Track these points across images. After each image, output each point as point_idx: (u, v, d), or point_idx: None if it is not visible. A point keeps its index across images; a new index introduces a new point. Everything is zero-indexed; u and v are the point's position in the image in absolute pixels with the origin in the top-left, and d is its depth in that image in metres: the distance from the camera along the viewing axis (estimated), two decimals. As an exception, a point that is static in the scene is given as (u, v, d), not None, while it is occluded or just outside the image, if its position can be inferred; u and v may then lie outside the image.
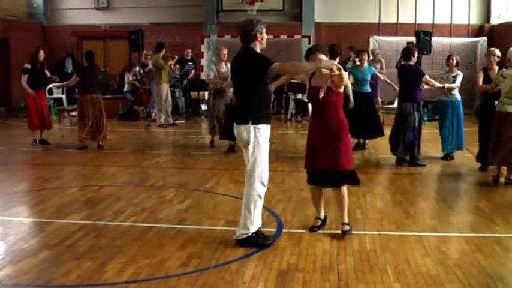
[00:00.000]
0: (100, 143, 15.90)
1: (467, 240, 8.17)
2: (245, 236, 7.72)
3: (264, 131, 7.69)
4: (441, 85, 13.65)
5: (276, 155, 13.79)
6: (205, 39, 25.78)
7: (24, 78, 16.42)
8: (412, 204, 10.13)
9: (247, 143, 7.65)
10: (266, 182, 7.81)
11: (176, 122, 21.67)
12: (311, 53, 8.38)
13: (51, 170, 13.23)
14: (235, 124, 7.82)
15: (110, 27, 27.78)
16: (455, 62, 13.97)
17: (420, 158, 13.43)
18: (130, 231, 8.51)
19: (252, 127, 7.60)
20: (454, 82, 13.73)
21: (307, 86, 8.38)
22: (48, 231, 8.53)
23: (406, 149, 13.34)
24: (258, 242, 7.72)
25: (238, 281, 6.67)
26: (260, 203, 7.80)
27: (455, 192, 11.45)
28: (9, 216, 9.34)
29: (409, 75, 13.21)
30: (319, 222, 8.55)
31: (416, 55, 13.56)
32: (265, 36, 7.73)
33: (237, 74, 7.93)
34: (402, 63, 14.12)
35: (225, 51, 15.58)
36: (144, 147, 16.65)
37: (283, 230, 8.49)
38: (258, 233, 7.82)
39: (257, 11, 25.52)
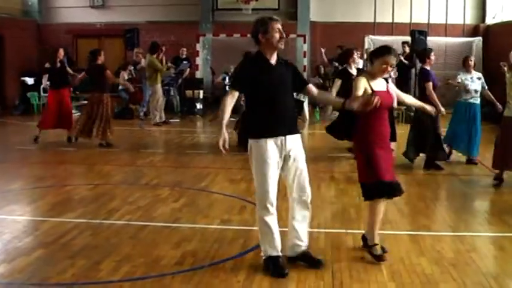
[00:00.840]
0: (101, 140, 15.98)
1: (462, 240, 8.17)
2: (263, 257, 6.98)
3: (258, 146, 6.77)
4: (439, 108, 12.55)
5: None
6: (201, 38, 25.82)
7: (44, 78, 16.45)
8: (406, 203, 10.11)
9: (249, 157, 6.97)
10: (269, 205, 6.82)
11: (171, 120, 21.68)
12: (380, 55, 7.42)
13: (45, 169, 13.21)
14: None
15: (105, 26, 27.77)
16: (473, 63, 13.56)
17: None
18: (125, 230, 8.50)
19: (249, 141, 6.92)
20: (482, 87, 13.40)
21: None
22: (43, 229, 8.51)
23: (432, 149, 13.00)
24: (271, 268, 6.83)
25: (233, 279, 6.65)
26: (265, 227, 6.89)
27: (450, 192, 11.46)
28: (4, 215, 9.31)
29: (420, 79, 13.08)
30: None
31: (432, 57, 13.08)
32: (274, 36, 6.83)
33: None
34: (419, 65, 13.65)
35: None
36: (138, 145, 16.64)
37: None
38: (273, 259, 6.89)
39: (252, 9, 25.56)
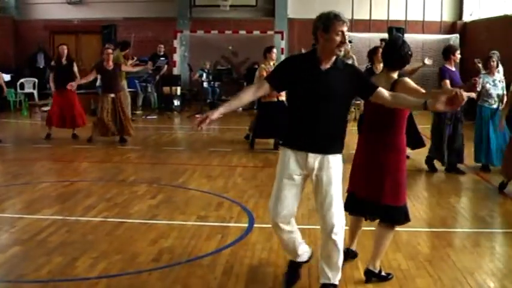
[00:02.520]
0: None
1: (438, 236, 8.24)
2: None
3: (281, 153, 6.09)
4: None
5: (247, 151, 13.83)
6: (178, 35, 25.80)
7: (50, 76, 16.37)
8: (383, 199, 10.15)
9: None
10: (276, 221, 6.12)
11: (148, 117, 21.66)
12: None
13: (21, 165, 13.13)
14: None
15: (82, 22, 27.66)
16: (495, 63, 12.53)
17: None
18: (102, 227, 8.48)
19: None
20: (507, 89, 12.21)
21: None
22: (19, 226, 8.47)
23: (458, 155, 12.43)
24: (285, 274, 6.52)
25: (210, 276, 6.66)
26: (281, 233, 6.27)
27: (426, 188, 11.51)
28: (-21, 212, 9.28)
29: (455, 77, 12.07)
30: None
31: (458, 55, 12.34)
32: (334, 38, 5.99)
33: None
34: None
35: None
36: (115, 142, 16.59)
37: (255, 225, 8.50)
38: (292, 265, 6.55)
39: (230, 6, 25.58)
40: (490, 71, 12.51)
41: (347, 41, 5.95)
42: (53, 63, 16.41)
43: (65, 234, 8.14)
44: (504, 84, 12.56)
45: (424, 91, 6.24)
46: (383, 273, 6.65)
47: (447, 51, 12.35)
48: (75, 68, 16.43)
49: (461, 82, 11.95)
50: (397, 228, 8.37)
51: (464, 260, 7.29)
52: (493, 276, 6.83)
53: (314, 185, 6.00)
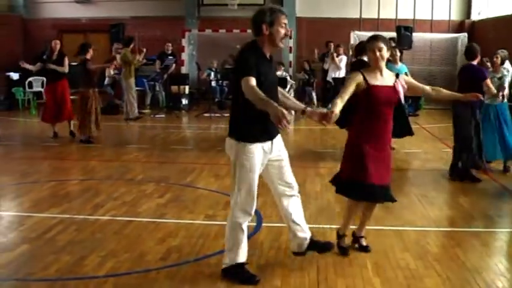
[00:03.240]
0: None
1: (446, 235, 8.23)
2: (225, 266, 6.59)
3: (251, 150, 6.24)
4: (498, 94, 11.88)
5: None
6: (186, 34, 25.76)
7: (36, 66, 16.69)
8: (391, 199, 10.14)
9: (230, 156, 6.44)
10: (251, 211, 6.44)
11: (156, 116, 21.69)
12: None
13: (30, 164, 13.15)
14: (228, 138, 6.47)
15: (90, 21, 27.66)
16: (500, 60, 12.66)
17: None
18: (110, 225, 8.49)
19: (234, 144, 6.33)
20: (501, 85, 12.19)
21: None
22: (27, 225, 8.49)
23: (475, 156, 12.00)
24: (240, 275, 6.53)
25: (218, 274, 6.64)
26: (241, 233, 6.46)
27: (434, 188, 11.46)
28: (-12, 210, 9.31)
29: (473, 76, 11.56)
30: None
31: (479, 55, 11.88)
32: (278, 30, 6.26)
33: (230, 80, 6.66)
34: (465, 63, 12.15)
35: None
36: (124, 141, 16.62)
37: (263, 224, 8.49)
38: (241, 266, 6.57)
39: (238, 5, 25.50)
40: (494, 68, 12.68)
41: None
42: (45, 56, 16.37)
43: (73, 232, 8.16)
44: (509, 78, 12.87)
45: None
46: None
47: (472, 51, 11.81)
48: (66, 62, 16.55)
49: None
50: (406, 228, 8.43)
51: (473, 259, 7.27)
52: (502, 276, 6.82)
53: (277, 163, 6.63)
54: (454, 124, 11.82)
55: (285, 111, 5.59)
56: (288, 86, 21.96)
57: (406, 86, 7.25)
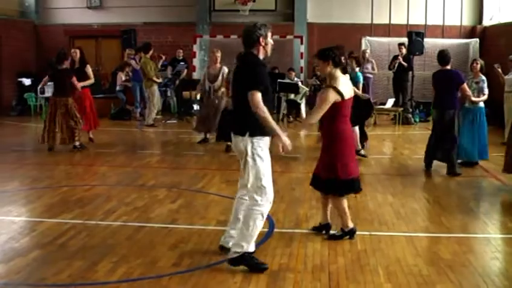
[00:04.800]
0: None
1: (459, 241, 8.19)
2: (237, 254, 6.93)
3: (263, 143, 6.99)
4: (475, 99, 12.95)
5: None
6: (198, 39, 25.80)
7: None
8: (403, 204, 10.13)
9: (245, 155, 6.97)
10: (271, 199, 7.09)
11: (168, 121, 21.73)
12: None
13: (41, 170, 13.19)
14: (232, 134, 7.15)
15: (102, 27, 27.72)
16: (479, 66, 13.36)
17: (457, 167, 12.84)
18: (122, 231, 8.50)
19: (248, 139, 6.92)
20: (479, 90, 13.11)
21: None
22: (39, 230, 8.52)
23: (445, 157, 12.75)
24: (252, 262, 6.95)
25: (230, 281, 6.66)
26: (261, 222, 7.01)
27: (446, 193, 11.44)
28: (0, 216, 9.32)
29: (450, 80, 12.48)
30: (319, 225, 8.55)
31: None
32: (270, 41, 7.16)
33: (235, 81, 7.28)
34: (440, 68, 12.94)
35: (218, 54, 15.87)
36: (135, 146, 16.66)
37: (275, 230, 8.49)
38: (252, 255, 7.01)
39: (249, 11, 25.56)
40: (474, 73, 13.46)
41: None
42: (66, 65, 16.21)
43: (85, 238, 8.17)
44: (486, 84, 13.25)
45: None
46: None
47: (446, 57, 12.77)
48: (89, 71, 16.44)
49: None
50: (417, 234, 8.41)
51: (485, 265, 7.26)
52: (515, 282, 6.80)
53: None
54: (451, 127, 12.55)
55: (288, 140, 6.94)
56: (301, 94, 21.98)
57: None
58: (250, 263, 6.91)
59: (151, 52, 20.86)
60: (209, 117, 16.03)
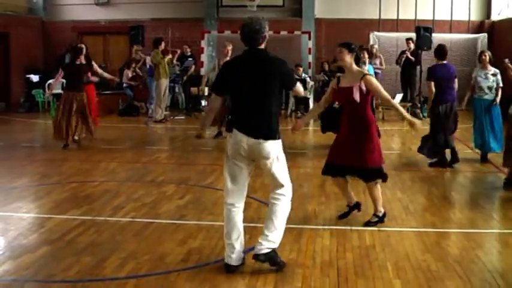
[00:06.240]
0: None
1: (467, 237, 8.17)
2: (269, 250, 6.79)
3: (281, 143, 6.95)
4: (498, 98, 13.05)
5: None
6: (206, 35, 25.76)
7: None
8: (411, 200, 10.11)
9: (270, 158, 6.76)
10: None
11: (176, 117, 21.73)
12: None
13: (50, 166, 13.24)
14: (256, 139, 6.67)
15: (109, 23, 27.76)
16: (488, 58, 13.21)
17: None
18: (130, 227, 8.51)
19: (277, 142, 6.77)
20: (497, 82, 13.08)
21: (335, 87, 8.41)
22: (48, 226, 8.53)
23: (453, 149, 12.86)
24: (277, 259, 6.87)
25: (238, 276, 6.66)
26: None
27: (454, 189, 11.43)
28: (9, 212, 9.33)
29: (451, 74, 12.69)
30: (347, 209, 8.84)
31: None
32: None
33: (252, 81, 6.72)
34: (436, 62, 12.95)
35: (229, 47, 15.91)
36: (144, 142, 16.66)
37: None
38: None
39: (257, 6, 25.50)
40: (482, 65, 13.26)
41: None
42: (83, 61, 16.16)
43: (94, 234, 8.18)
44: (498, 77, 13.22)
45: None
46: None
47: (444, 51, 12.94)
48: (95, 67, 16.60)
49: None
50: (426, 229, 8.40)
51: (494, 261, 7.25)
52: (524, 277, 6.78)
53: None
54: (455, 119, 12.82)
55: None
56: (309, 88, 21.99)
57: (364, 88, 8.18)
58: (276, 260, 6.86)
59: (161, 47, 20.82)
60: (220, 110, 15.94)
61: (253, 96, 6.74)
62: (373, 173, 8.42)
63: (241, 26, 6.88)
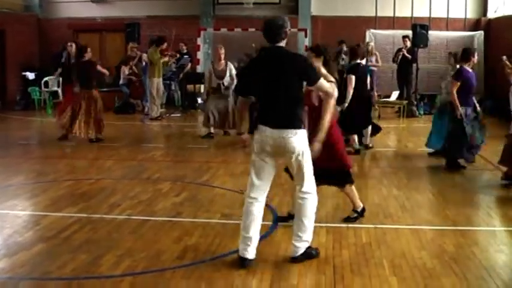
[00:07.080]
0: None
1: (463, 234, 8.18)
2: (304, 249, 7.01)
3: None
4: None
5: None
6: (202, 32, 25.71)
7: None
8: (407, 197, 10.12)
9: (295, 152, 6.84)
10: None
11: (172, 115, 21.71)
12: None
13: (46, 163, 13.22)
14: (281, 131, 6.78)
15: (105, 20, 27.69)
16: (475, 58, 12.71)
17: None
18: (126, 224, 8.51)
19: (303, 136, 6.89)
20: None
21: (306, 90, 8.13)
22: (44, 224, 8.52)
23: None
24: (314, 253, 7.14)
25: (234, 273, 6.66)
26: None
27: (451, 186, 11.42)
28: (5, 209, 9.32)
29: (472, 79, 12.25)
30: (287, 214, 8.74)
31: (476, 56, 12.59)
32: None
33: (273, 80, 6.80)
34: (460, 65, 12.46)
35: (222, 51, 15.93)
36: (140, 140, 16.65)
37: (279, 223, 8.47)
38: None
39: (253, 4, 25.47)
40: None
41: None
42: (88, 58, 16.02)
43: (90, 232, 8.17)
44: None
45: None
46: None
47: (467, 53, 12.38)
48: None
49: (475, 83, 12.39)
50: (422, 226, 8.41)
51: (490, 258, 7.25)
52: (520, 274, 6.79)
53: None
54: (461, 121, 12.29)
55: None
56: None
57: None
58: (313, 254, 7.09)
59: (162, 46, 20.78)
60: (220, 113, 16.07)
61: (276, 94, 6.84)
62: (340, 176, 8.55)
63: (264, 23, 6.95)
